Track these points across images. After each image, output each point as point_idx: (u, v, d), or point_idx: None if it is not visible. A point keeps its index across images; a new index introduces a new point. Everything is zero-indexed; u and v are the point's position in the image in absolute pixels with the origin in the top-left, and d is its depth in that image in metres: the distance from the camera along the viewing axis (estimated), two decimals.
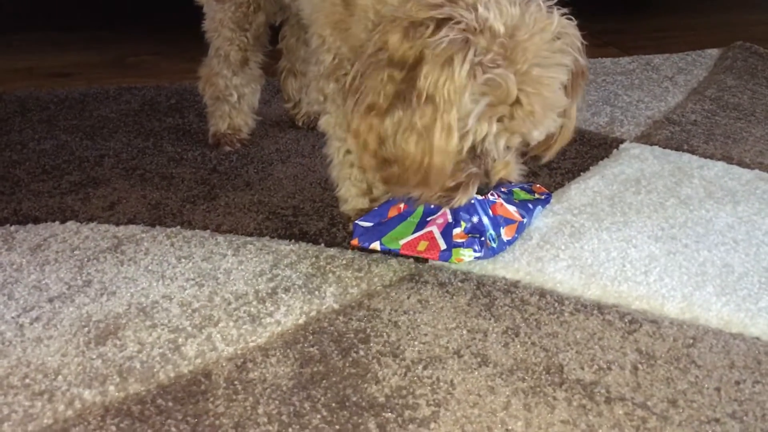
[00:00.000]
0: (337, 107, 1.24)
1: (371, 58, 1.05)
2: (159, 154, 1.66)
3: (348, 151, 1.28)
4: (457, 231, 1.25)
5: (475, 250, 1.23)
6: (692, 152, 1.68)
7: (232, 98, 1.66)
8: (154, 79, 2.14)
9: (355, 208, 1.34)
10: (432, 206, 1.26)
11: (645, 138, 1.76)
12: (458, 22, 1.01)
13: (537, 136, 1.09)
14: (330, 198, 1.39)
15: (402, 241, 1.26)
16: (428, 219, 1.28)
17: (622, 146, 1.70)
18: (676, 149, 1.69)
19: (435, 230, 1.26)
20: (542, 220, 1.38)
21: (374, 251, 1.28)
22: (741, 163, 1.63)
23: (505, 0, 1.04)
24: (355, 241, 1.28)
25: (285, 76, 1.79)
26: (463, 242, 1.24)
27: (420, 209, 1.29)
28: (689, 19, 2.90)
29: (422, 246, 1.25)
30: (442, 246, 1.24)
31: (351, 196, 1.33)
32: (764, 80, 2.13)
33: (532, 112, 1.04)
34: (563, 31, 1.07)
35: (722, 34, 2.62)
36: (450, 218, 1.27)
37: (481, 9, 1.02)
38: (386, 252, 1.27)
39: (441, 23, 1.01)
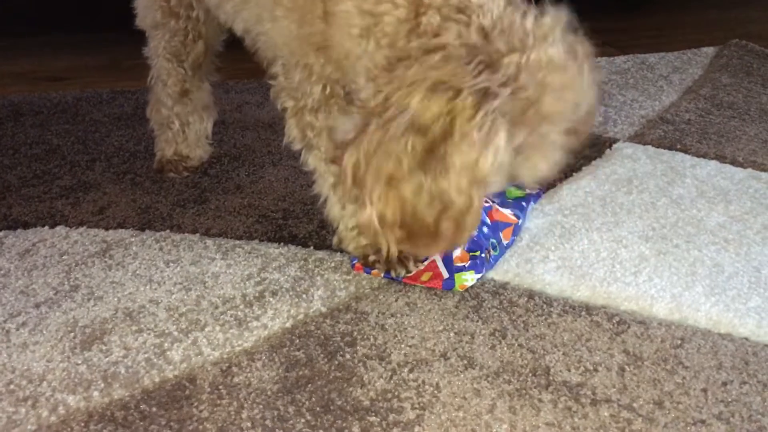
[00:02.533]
0: (326, 141, 1.17)
1: (386, 121, 0.92)
2: (150, 157, 1.65)
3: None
4: (456, 253, 1.21)
5: (476, 272, 1.20)
6: (685, 151, 1.67)
7: (174, 126, 1.56)
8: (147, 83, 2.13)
9: (357, 247, 1.25)
10: None
11: (638, 137, 1.75)
12: (495, 95, 0.89)
13: None
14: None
15: None
16: None
17: (615, 146, 1.69)
18: (669, 148, 1.68)
19: (437, 258, 1.21)
20: (533, 221, 1.37)
21: None
22: (734, 162, 1.62)
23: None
24: (358, 267, 1.25)
25: None
26: (464, 265, 1.20)
27: None
28: (687, 16, 2.89)
29: (426, 277, 1.21)
30: (445, 275, 1.20)
31: (352, 236, 1.24)
32: (759, 78, 2.12)
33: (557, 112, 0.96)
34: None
35: (719, 32, 2.60)
36: None
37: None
38: (389, 279, 1.22)
39: (477, 95, 0.89)
